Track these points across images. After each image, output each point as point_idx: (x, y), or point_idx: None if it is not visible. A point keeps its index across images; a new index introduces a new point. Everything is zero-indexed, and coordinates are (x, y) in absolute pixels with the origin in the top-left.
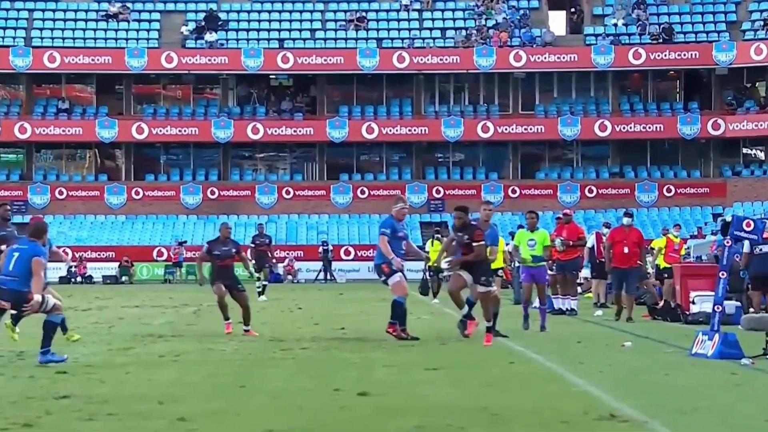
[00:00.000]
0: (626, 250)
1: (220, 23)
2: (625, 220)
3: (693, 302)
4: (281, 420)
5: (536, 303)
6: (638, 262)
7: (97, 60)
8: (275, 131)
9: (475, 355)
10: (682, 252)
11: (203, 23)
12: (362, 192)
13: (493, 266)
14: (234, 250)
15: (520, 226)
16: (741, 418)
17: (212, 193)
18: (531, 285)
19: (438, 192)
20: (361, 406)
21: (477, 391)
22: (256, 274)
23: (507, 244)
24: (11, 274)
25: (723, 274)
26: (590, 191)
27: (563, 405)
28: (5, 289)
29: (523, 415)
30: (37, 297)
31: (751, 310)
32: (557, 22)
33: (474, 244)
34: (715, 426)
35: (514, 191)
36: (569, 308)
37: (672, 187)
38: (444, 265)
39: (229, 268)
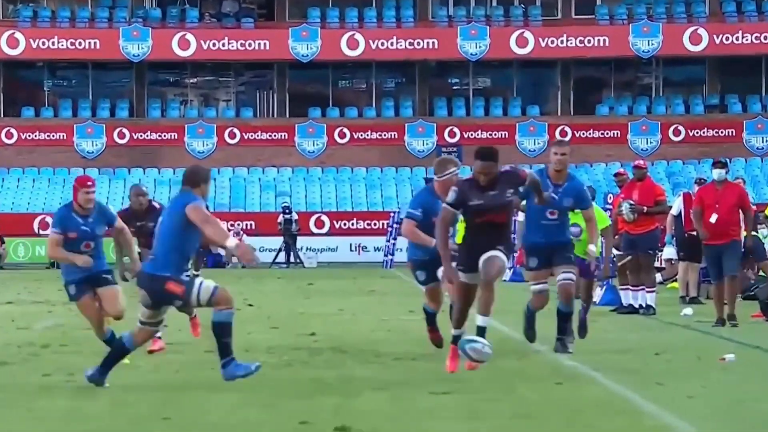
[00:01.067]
0: (715, 218)
1: None
2: (716, 174)
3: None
4: None
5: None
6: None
7: None
8: (213, 45)
9: (502, 372)
10: None
11: None
12: (341, 135)
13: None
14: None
15: None
16: None
17: (121, 135)
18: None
19: (452, 135)
20: None
21: (506, 426)
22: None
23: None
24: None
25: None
26: (676, 133)
27: None
28: (144, 273)
29: None
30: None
31: None
32: None
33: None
34: None
35: (563, 133)
36: (644, 305)
37: None
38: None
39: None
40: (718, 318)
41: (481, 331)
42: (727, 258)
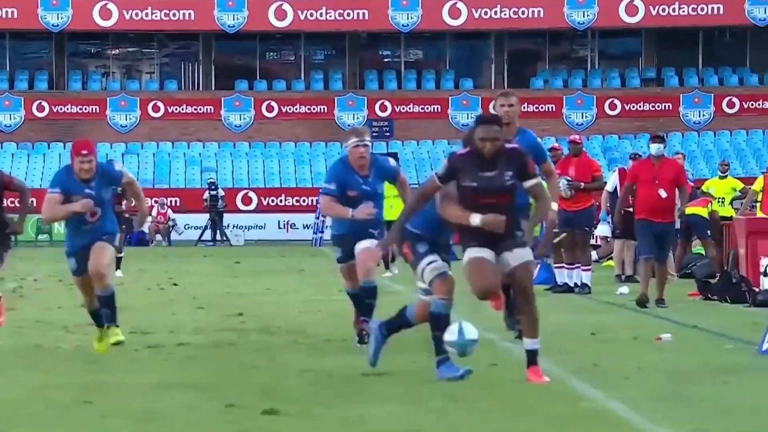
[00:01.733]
0: (663, 193)
1: None
2: (654, 149)
3: (766, 274)
4: None
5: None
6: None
7: None
8: (136, 15)
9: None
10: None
11: None
12: (269, 109)
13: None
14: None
15: None
16: None
17: (40, 108)
18: None
19: (383, 108)
20: (268, 431)
21: (440, 409)
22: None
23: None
24: None
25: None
26: (612, 107)
27: (568, 429)
28: None
29: None
30: None
31: None
32: None
33: (529, 182)
34: None
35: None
36: (580, 283)
37: (735, 100)
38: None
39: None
40: (642, 294)
41: (533, 355)
42: (664, 241)
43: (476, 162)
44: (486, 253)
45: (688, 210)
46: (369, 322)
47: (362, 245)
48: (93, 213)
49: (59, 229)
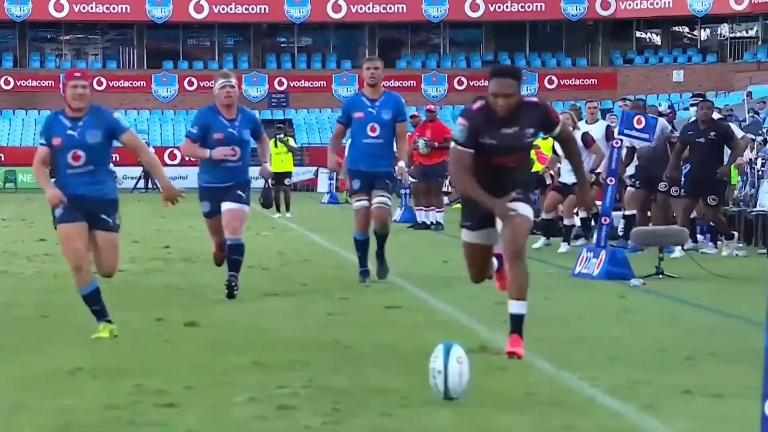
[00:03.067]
0: None
1: None
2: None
3: (576, 214)
4: (92, 356)
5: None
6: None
7: None
8: (84, 8)
9: (322, 280)
10: None
11: None
12: (190, 83)
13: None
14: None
15: None
16: (630, 350)
17: (6, 83)
18: None
19: (281, 83)
20: (189, 340)
21: (325, 321)
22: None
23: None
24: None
25: (611, 180)
26: (460, 83)
27: (426, 335)
28: None
29: (379, 349)
30: None
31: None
32: None
33: (556, 129)
34: (601, 360)
35: (361, 86)
36: (434, 222)
37: (554, 78)
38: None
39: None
40: None
41: (517, 321)
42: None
43: (495, 117)
44: (479, 238)
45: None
46: (236, 277)
47: (228, 206)
48: (75, 155)
49: (22, 179)
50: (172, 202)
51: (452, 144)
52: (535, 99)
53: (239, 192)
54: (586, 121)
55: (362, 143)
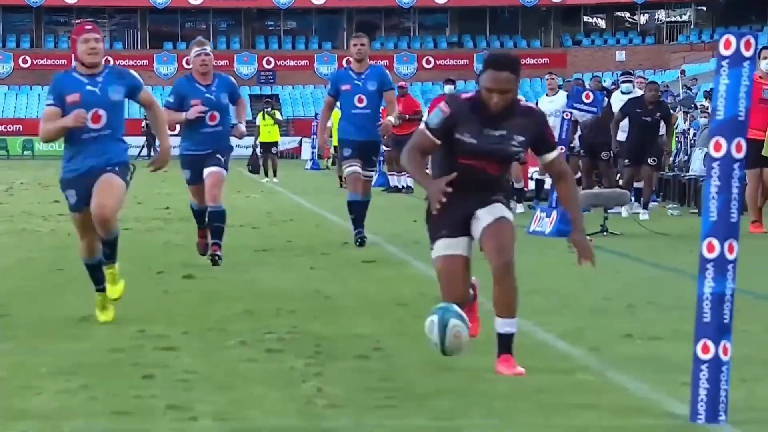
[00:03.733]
0: None
1: None
2: (447, 89)
3: (531, 178)
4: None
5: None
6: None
7: None
8: None
9: (305, 238)
10: None
11: None
12: (187, 62)
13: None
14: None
15: None
16: (579, 299)
17: (24, 61)
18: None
19: (269, 62)
20: (186, 290)
21: (309, 274)
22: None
23: None
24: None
25: (561, 149)
26: (428, 62)
27: (400, 288)
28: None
29: (358, 299)
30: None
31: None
32: None
33: (549, 155)
34: (553, 308)
35: (348, 62)
36: (405, 185)
37: None
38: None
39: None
40: None
41: (507, 341)
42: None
43: (481, 113)
44: (461, 247)
45: None
46: (220, 246)
47: (208, 170)
48: (96, 115)
49: (39, 147)
50: (158, 168)
51: (421, 125)
52: (531, 104)
53: (218, 156)
54: (546, 94)
55: (351, 114)
